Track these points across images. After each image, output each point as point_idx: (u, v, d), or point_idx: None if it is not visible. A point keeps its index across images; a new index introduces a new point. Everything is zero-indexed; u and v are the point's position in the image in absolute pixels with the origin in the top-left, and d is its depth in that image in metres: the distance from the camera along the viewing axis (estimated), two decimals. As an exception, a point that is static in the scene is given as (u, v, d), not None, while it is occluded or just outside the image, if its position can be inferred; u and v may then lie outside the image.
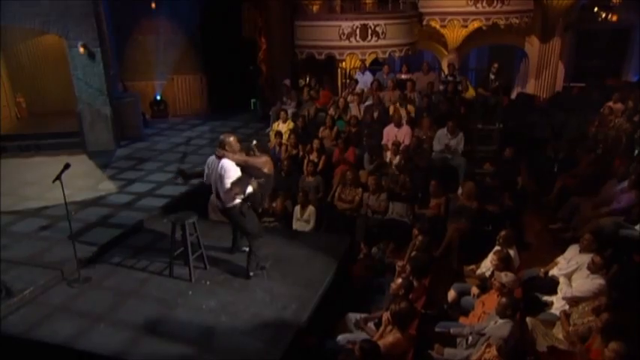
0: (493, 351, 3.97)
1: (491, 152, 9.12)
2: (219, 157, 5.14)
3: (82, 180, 8.25)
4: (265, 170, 5.24)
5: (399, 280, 4.84)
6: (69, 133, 10.00)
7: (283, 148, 9.10)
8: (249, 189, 5.27)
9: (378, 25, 11.11)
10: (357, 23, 11.06)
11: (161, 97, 12.75)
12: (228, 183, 5.04)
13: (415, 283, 5.03)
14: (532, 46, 13.84)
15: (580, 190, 7.80)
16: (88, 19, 9.38)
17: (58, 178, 5.22)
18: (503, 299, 4.43)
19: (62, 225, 6.63)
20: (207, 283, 5.39)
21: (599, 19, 13.91)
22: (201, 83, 12.88)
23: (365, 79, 10.55)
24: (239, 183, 5.11)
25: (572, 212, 7.56)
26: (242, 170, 5.15)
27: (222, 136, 5.29)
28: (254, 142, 5.50)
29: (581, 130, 10.19)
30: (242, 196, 5.20)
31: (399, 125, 8.48)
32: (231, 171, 5.06)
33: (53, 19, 9.21)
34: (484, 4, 11.80)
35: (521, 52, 14.19)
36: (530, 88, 13.92)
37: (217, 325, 4.72)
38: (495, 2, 11.79)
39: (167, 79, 12.64)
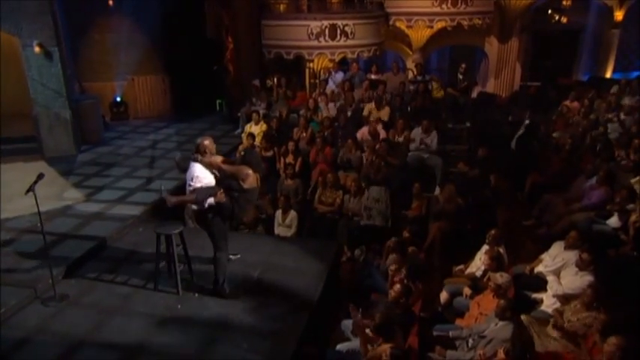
0: (501, 354, 3.99)
1: (463, 151, 9.27)
2: (193, 161, 4.91)
3: (44, 188, 7.49)
4: (244, 184, 4.83)
5: (398, 287, 4.80)
6: (24, 137, 9.38)
7: (257, 150, 8.90)
8: (211, 200, 4.80)
9: (346, 24, 11.08)
10: (326, 23, 10.98)
11: (121, 99, 12.20)
12: (192, 187, 4.78)
13: (412, 287, 5.01)
14: (491, 46, 14.25)
15: (550, 187, 8.05)
16: (43, 16, 8.80)
17: (31, 189, 4.85)
18: (502, 301, 4.48)
19: (28, 238, 6.24)
20: (196, 295, 5.16)
21: (552, 20, 14.49)
22: (163, 84, 12.41)
23: (337, 79, 10.49)
24: (206, 190, 4.78)
25: (544, 209, 7.79)
26: (221, 177, 4.92)
27: (198, 140, 5.09)
28: (241, 152, 5.20)
29: (545, 128, 10.55)
30: (208, 201, 4.82)
31: (373, 130, 8.47)
32: (199, 176, 4.79)
33: (4, 16, 8.58)
34: (449, 5, 12.03)
35: (481, 52, 14.57)
36: (490, 87, 14.33)
37: (213, 339, 4.51)
38: (459, 3, 12.04)
39: (127, 79, 12.10)
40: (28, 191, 4.82)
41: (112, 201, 7.39)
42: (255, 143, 9.18)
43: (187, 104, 12.14)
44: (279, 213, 7.19)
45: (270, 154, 8.64)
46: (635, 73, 14.26)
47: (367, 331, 4.34)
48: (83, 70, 11.54)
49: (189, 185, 4.80)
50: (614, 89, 11.58)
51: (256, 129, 9.35)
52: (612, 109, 10.36)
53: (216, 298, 5.07)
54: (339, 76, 10.68)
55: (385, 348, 4.12)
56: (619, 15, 14.38)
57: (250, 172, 4.88)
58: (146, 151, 9.85)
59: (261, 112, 9.93)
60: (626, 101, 10.43)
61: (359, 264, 6.77)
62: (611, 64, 14.94)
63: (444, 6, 12.04)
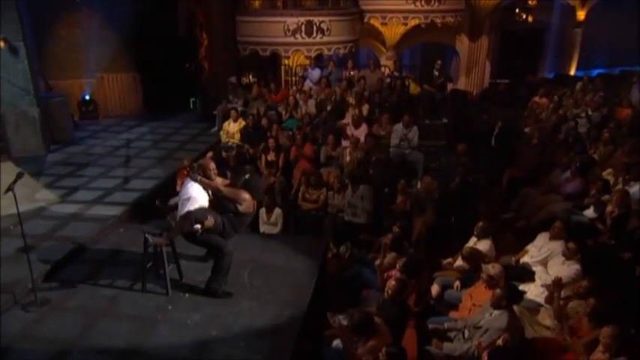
0: (500, 344, 4.04)
1: (441, 147, 9.39)
2: (192, 180, 4.86)
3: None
4: (240, 208, 4.80)
5: (393, 283, 4.79)
6: (-11, 137, 8.94)
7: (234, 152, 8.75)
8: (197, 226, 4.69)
9: (323, 21, 11.06)
10: (302, 19, 10.93)
11: (90, 97, 11.78)
12: (185, 207, 4.69)
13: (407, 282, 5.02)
14: (462, 44, 14.51)
15: (527, 181, 8.25)
16: (7, 10, 8.37)
17: (11, 189, 4.61)
18: (498, 290, 4.54)
19: (2, 242, 5.92)
20: (187, 295, 5.01)
21: (519, 19, 14.90)
22: (134, 81, 12.08)
23: (314, 76, 10.45)
24: (200, 212, 4.71)
25: (523, 202, 7.98)
26: (216, 201, 4.86)
27: (201, 160, 5.13)
28: (247, 175, 5.13)
29: (516, 123, 10.82)
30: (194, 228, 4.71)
31: (357, 125, 8.46)
32: (196, 197, 4.72)
33: (-38, 10, 8.16)
34: (422, 3, 12.18)
35: (452, 50, 14.82)
36: (462, 84, 14.59)
37: (208, 340, 4.39)
38: (433, 1, 12.21)
39: (96, 77, 11.71)
40: (7, 191, 4.57)
41: (89, 202, 7.11)
42: (233, 141, 9.09)
43: (160, 102, 11.85)
44: (263, 211, 7.07)
45: (252, 152, 8.51)
46: (597, 71, 14.82)
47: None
48: (48, 67, 11.05)
49: (184, 207, 4.69)
50: (579, 86, 12.00)
51: (234, 127, 9.21)
52: (579, 105, 10.74)
53: (207, 297, 4.94)
54: (317, 72, 10.64)
55: (373, 345, 4.11)
56: (581, 14, 14.91)
57: (248, 196, 4.85)
58: (120, 150, 9.55)
59: (238, 109, 9.78)
60: (590, 97, 10.82)
61: (345, 260, 6.75)
62: (574, 62, 15.48)
63: (417, 4, 12.18)
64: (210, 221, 4.67)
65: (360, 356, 4.19)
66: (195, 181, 4.82)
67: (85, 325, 4.57)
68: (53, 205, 7.04)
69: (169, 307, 4.82)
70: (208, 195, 4.87)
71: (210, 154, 7.67)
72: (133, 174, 8.21)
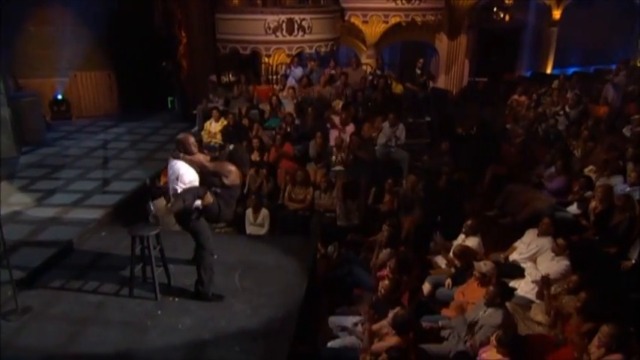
0: (492, 342, 4.03)
1: (425, 145, 9.41)
2: (175, 158, 4.67)
3: (-15, 194, 7.06)
4: (226, 181, 4.66)
5: (387, 282, 4.75)
6: (-43, 139, 8.54)
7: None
8: (198, 202, 4.59)
9: (304, 19, 10.95)
10: (284, 17, 10.81)
11: (63, 97, 11.40)
12: (179, 188, 4.54)
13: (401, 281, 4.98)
14: (441, 42, 14.61)
15: (510, 178, 8.34)
16: (-26, 5, 8.07)
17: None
18: (491, 288, 4.54)
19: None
20: (176, 299, 4.87)
21: (497, 18, 15.09)
22: (109, 80, 11.74)
23: (297, 74, 10.35)
24: (193, 190, 4.58)
25: (507, 199, 8.05)
26: (201, 176, 4.70)
27: (178, 136, 4.88)
28: (231, 146, 5.01)
29: (496, 121, 10.94)
30: (194, 204, 4.65)
31: (345, 124, 8.40)
32: (184, 175, 4.57)
33: None
34: (403, 1, 12.19)
35: (431, 48, 14.91)
36: (441, 82, 14.68)
37: (202, 344, 4.27)
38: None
39: (69, 76, 11.32)
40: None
41: (68, 205, 6.85)
42: (215, 141, 8.92)
43: (136, 102, 11.52)
44: (249, 212, 6.96)
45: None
46: (572, 69, 15.13)
47: (376, 326, 4.29)
48: (19, 66, 10.60)
49: (175, 186, 4.52)
50: (556, 84, 12.22)
51: (217, 126, 9.04)
52: (557, 103, 10.92)
53: (198, 301, 4.81)
54: (299, 71, 10.54)
55: (384, 345, 4.09)
56: (557, 14, 15.22)
57: (233, 168, 4.71)
58: (97, 151, 9.25)
59: (221, 108, 9.60)
60: (567, 95, 11.02)
61: (333, 260, 6.69)
62: (550, 61, 15.79)
63: (398, 2, 12.20)
64: (209, 198, 4.54)
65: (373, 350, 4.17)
66: (179, 158, 4.63)
67: (71, 332, 4.39)
68: (29, 209, 6.75)
69: (159, 312, 4.67)
70: (196, 172, 4.69)
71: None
72: (113, 176, 7.96)
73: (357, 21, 12.68)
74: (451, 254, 5.75)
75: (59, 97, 11.35)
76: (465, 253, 5.51)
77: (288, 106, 9.54)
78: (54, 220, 6.40)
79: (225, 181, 4.64)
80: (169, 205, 4.71)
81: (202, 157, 4.83)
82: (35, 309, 4.70)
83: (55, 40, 10.83)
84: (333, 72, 10.43)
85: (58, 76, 11.21)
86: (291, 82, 10.16)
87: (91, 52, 11.21)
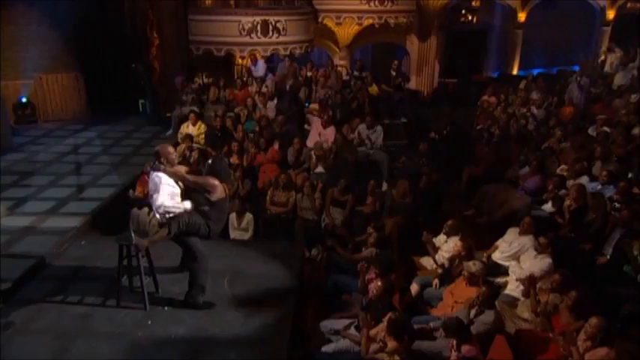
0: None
1: (402, 146, 9.52)
2: (155, 170, 4.56)
3: (-48, 203, 6.73)
4: (212, 197, 4.50)
5: (379, 284, 4.79)
6: None
7: (195, 152, 8.45)
8: (185, 209, 4.50)
9: (278, 20, 10.91)
10: (258, 19, 10.73)
11: (27, 100, 10.97)
12: (157, 199, 4.40)
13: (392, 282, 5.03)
14: (412, 44, 14.81)
15: (486, 178, 8.54)
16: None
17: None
18: (484, 289, 4.65)
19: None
20: (166, 308, 4.77)
21: (465, 20, 15.43)
22: (77, 82, 11.33)
23: (259, 67, 10.30)
24: (173, 201, 4.47)
25: (483, 198, 8.24)
26: (185, 190, 4.60)
27: (156, 147, 4.74)
28: (209, 160, 4.87)
29: (467, 121, 11.19)
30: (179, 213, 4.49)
31: (326, 125, 8.41)
32: (163, 186, 4.44)
33: None
34: (376, 3, 12.31)
35: (402, 50, 15.10)
36: (413, 83, 14.87)
37: (196, 353, 4.20)
38: (386, 2, 12.37)
39: (34, 77, 10.92)
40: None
41: (42, 213, 6.59)
42: (194, 145, 8.75)
43: (106, 105, 11.18)
44: (233, 216, 6.88)
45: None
46: (537, 70, 15.63)
47: (373, 331, 4.33)
48: (-23, 67, 10.21)
49: (157, 199, 4.39)
50: (522, 85, 12.60)
51: (193, 130, 8.89)
52: (525, 104, 11.25)
53: (188, 309, 4.73)
54: (261, 64, 10.49)
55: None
56: (522, 16, 15.68)
57: (217, 182, 4.54)
58: (68, 156, 8.94)
59: (196, 111, 9.44)
60: (534, 96, 11.38)
61: (317, 263, 6.69)
62: (516, 62, 16.25)
63: (371, 4, 12.31)
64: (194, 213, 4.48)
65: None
66: (159, 170, 4.51)
67: (58, 347, 4.24)
68: (1, 218, 6.47)
69: (149, 322, 4.57)
70: (178, 185, 4.58)
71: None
72: (88, 182, 7.71)
73: (330, 23, 12.73)
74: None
75: (23, 100, 10.91)
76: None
77: (264, 110, 9.48)
78: (29, 230, 6.15)
79: (211, 197, 4.50)
80: (152, 236, 4.53)
81: (183, 169, 4.75)
82: (17, 324, 4.51)
83: (18, 40, 10.46)
84: (309, 73, 10.43)
85: (22, 79, 10.80)
86: (257, 73, 10.10)
87: (58, 53, 10.88)
